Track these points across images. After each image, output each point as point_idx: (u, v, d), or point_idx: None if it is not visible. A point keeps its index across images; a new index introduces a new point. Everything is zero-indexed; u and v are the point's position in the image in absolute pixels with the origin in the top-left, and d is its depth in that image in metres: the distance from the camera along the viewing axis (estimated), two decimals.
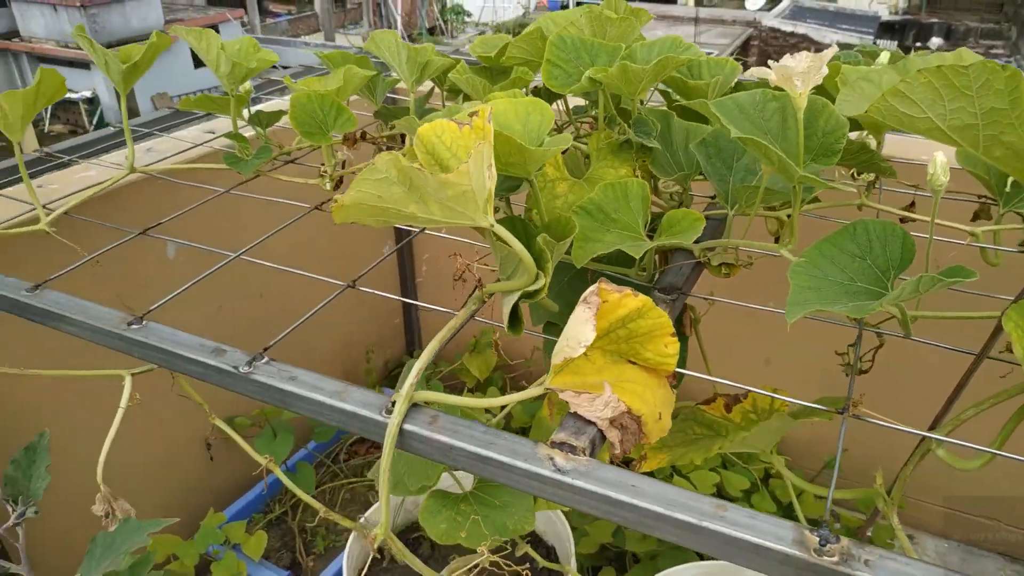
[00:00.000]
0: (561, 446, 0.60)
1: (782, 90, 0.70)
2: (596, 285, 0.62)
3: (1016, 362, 0.56)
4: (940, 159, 0.68)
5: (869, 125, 0.83)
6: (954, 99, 0.52)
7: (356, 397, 0.66)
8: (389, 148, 1.30)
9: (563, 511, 1.41)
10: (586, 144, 0.92)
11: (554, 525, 1.37)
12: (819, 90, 0.75)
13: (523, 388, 0.72)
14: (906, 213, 0.93)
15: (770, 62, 0.64)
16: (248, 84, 1.12)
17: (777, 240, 0.93)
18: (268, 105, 1.58)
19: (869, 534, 1.37)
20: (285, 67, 2.19)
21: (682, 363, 0.85)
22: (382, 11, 13.19)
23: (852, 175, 0.91)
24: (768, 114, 0.72)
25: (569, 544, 1.32)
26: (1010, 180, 0.82)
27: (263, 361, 0.70)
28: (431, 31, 14.13)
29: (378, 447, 1.95)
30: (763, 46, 11.30)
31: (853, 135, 0.82)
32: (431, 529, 0.99)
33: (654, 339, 0.65)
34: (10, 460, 0.95)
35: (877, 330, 0.83)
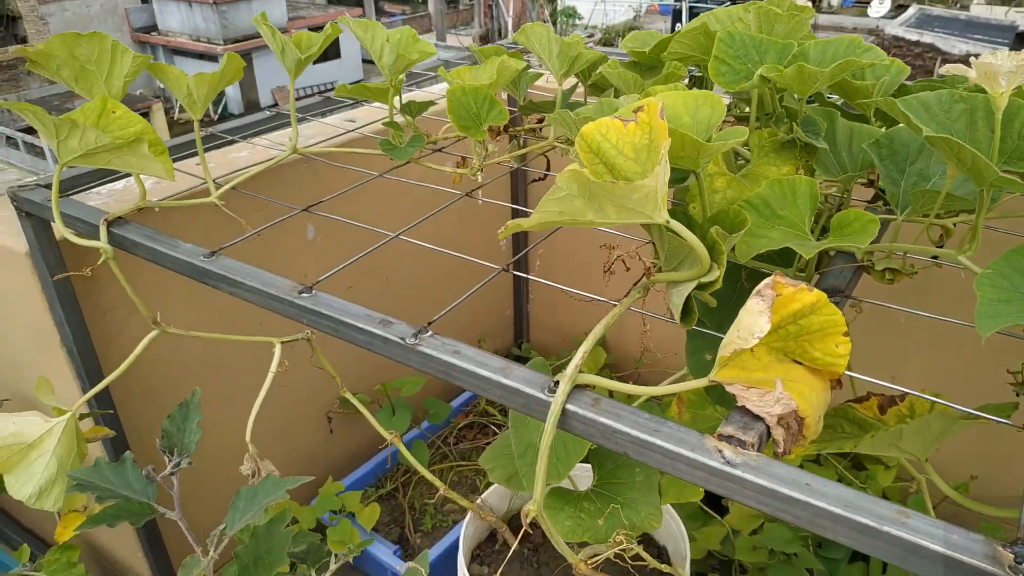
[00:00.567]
0: (729, 439, 0.59)
1: (971, 91, 0.67)
2: (771, 278, 0.61)
3: None
4: None
5: None
6: None
7: (518, 374, 0.68)
8: (526, 141, 1.32)
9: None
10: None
11: (668, 525, 1.36)
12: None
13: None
14: None
15: (971, 59, 0.62)
16: (402, 75, 1.16)
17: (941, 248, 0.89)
18: (415, 95, 1.63)
19: None
20: None
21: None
22: (493, 12, 13.38)
23: None
24: (955, 115, 0.70)
25: (684, 544, 1.30)
26: None
27: (427, 334, 0.73)
28: None
29: (486, 433, 1.99)
30: None
31: None
32: (557, 525, 1.00)
33: (825, 337, 0.63)
34: (167, 415, 1.02)
35: None
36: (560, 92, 1.14)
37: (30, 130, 14.26)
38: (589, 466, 1.08)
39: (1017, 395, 0.75)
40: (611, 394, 0.71)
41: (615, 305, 0.71)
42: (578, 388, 0.66)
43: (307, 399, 1.72)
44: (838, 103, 1.00)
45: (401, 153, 1.06)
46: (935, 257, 0.81)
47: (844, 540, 0.55)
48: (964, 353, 1.44)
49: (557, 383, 0.65)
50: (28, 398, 1.47)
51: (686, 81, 1.05)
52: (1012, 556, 0.49)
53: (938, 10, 11.56)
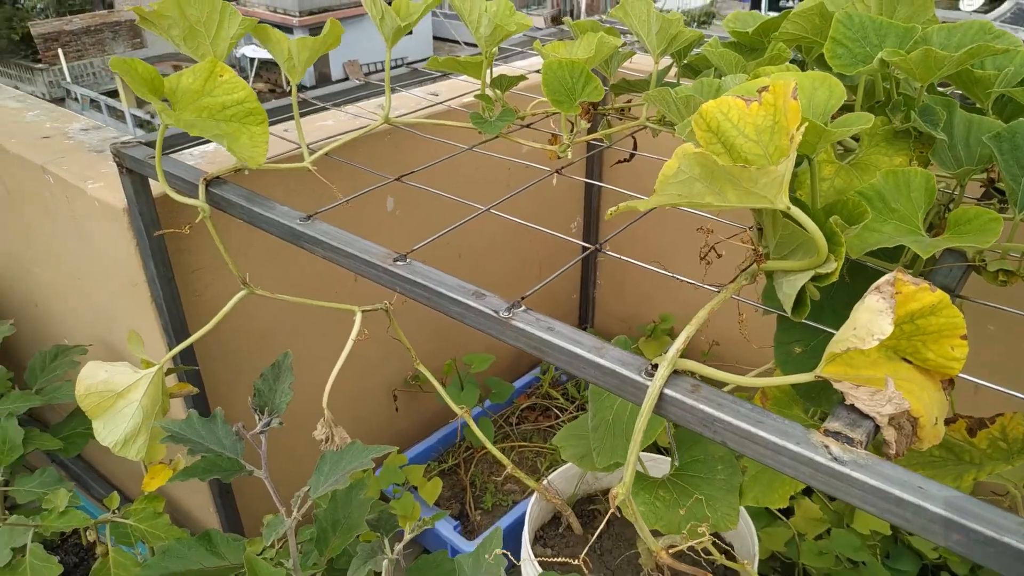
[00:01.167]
0: (836, 436, 0.57)
1: None
2: (892, 274, 0.59)
3: None
4: None
5: None
6: None
7: (613, 355, 0.67)
8: (610, 122, 1.30)
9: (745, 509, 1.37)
10: None
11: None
12: None
13: None
14: None
15: None
16: (494, 48, 1.15)
17: None
18: (502, 69, 1.62)
19: None
20: (469, 44, 2.25)
21: None
22: None
23: None
24: None
25: (752, 544, 1.28)
26: None
27: (521, 309, 0.73)
28: None
29: (548, 416, 1.99)
30: None
31: None
32: (627, 509, 0.99)
33: (942, 339, 0.60)
34: (260, 374, 1.04)
35: None
36: (656, 70, 1.11)
37: (111, 94, 14.82)
38: (650, 455, 1.06)
39: None
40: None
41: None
42: (675, 373, 0.64)
43: (374, 372, 1.75)
44: (946, 94, 0.95)
45: (492, 127, 1.06)
46: None
47: (959, 548, 0.52)
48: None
49: (655, 366, 0.64)
50: (113, 348, 1.53)
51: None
52: None
53: None
